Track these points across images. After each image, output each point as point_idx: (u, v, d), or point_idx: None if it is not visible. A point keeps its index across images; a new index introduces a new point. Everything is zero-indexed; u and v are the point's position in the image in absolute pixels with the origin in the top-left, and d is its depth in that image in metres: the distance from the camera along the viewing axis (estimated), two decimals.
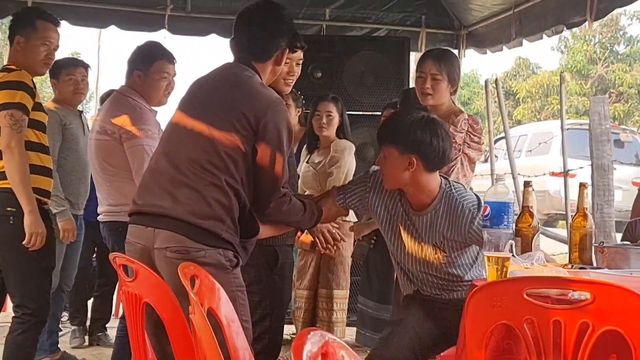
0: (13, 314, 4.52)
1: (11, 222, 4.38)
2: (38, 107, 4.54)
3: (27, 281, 4.50)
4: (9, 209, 4.39)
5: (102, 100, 6.71)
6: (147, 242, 3.38)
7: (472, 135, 4.43)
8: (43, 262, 4.51)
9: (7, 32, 4.68)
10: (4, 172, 4.39)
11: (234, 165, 3.41)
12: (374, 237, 5.68)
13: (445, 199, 3.68)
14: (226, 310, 2.78)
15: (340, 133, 5.87)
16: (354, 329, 6.23)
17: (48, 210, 4.62)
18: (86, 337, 6.58)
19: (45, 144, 4.59)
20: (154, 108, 4.73)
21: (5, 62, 4.65)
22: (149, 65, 4.70)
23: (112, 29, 7.66)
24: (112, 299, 6.84)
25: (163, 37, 7.71)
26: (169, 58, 4.77)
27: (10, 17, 7.48)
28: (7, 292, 4.60)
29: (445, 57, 4.64)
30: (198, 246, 3.31)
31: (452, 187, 3.71)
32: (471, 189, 4.42)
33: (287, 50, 3.72)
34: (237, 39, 3.69)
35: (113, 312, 7.10)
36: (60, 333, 6.19)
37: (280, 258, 4.13)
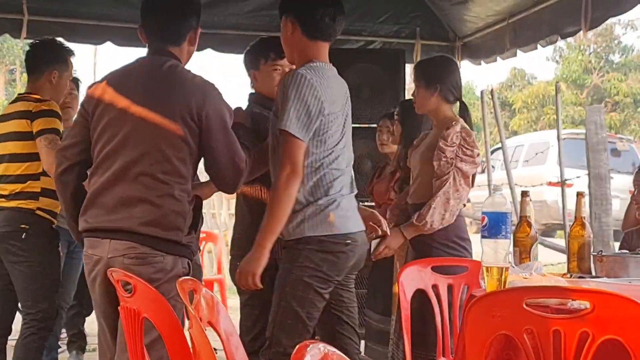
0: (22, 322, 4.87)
1: (23, 237, 4.73)
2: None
3: (33, 289, 4.81)
4: (23, 225, 4.74)
5: None
6: (102, 253, 3.46)
7: (464, 149, 4.35)
8: (50, 274, 4.87)
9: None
10: (22, 192, 4.77)
11: (184, 167, 3.47)
12: None
13: None
14: (225, 324, 2.77)
15: None
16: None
17: (57, 230, 4.92)
18: (83, 356, 6.58)
19: None
20: None
21: None
22: None
23: (108, 45, 7.65)
24: None
25: None
26: None
27: (7, 35, 7.56)
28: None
29: (424, 62, 4.67)
30: (156, 253, 3.41)
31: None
32: (464, 205, 4.41)
33: (199, 29, 3.77)
34: (147, 27, 3.67)
35: None
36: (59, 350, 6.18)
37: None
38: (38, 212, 4.78)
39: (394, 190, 5.18)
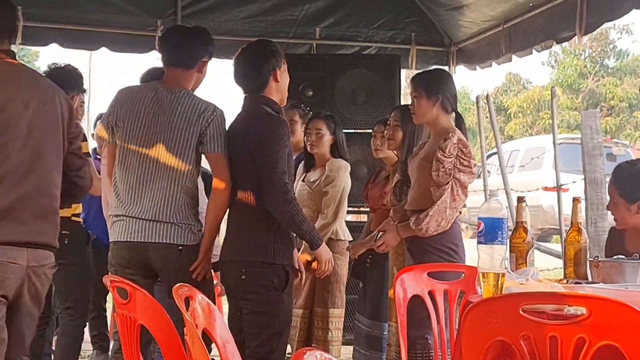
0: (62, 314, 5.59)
1: (66, 242, 4.97)
2: None
3: (71, 287, 5.45)
4: (64, 232, 4.97)
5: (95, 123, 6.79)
6: (22, 261, 3.62)
7: (462, 159, 4.44)
8: (84, 273, 5.54)
9: None
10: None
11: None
12: (370, 256, 5.67)
13: None
14: (221, 331, 2.77)
15: (335, 152, 5.83)
16: (351, 347, 6.18)
17: (87, 231, 5.70)
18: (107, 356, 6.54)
19: None
20: None
21: None
22: None
23: (103, 50, 7.66)
24: None
25: (157, 58, 7.71)
26: None
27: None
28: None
29: (423, 74, 4.80)
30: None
31: None
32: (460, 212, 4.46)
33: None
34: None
35: None
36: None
37: (290, 277, 4.12)
38: (73, 218, 5.39)
39: (393, 194, 5.20)
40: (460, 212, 4.62)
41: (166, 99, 4.22)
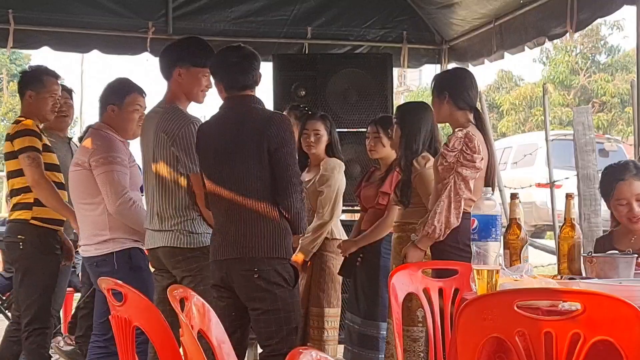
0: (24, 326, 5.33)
1: (21, 247, 5.23)
2: (46, 148, 5.30)
3: (31, 296, 5.29)
4: (19, 236, 5.23)
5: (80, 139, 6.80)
6: None
7: (465, 154, 4.43)
8: (42, 280, 5.28)
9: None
10: (18, 204, 5.27)
11: None
12: (361, 254, 5.66)
13: None
14: (217, 331, 2.77)
15: (330, 151, 5.82)
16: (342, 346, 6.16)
17: (57, 237, 5.38)
18: None
19: (58, 181, 5.34)
20: (129, 141, 5.09)
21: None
22: (123, 98, 4.96)
23: (95, 53, 7.66)
24: None
25: (145, 59, 7.71)
26: (140, 91, 5.05)
27: None
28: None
29: (437, 74, 4.83)
30: None
31: None
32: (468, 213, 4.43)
33: None
34: None
35: None
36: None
37: (297, 272, 4.24)
38: (32, 221, 5.23)
39: (394, 193, 5.21)
40: (468, 207, 4.58)
41: (156, 117, 4.54)
